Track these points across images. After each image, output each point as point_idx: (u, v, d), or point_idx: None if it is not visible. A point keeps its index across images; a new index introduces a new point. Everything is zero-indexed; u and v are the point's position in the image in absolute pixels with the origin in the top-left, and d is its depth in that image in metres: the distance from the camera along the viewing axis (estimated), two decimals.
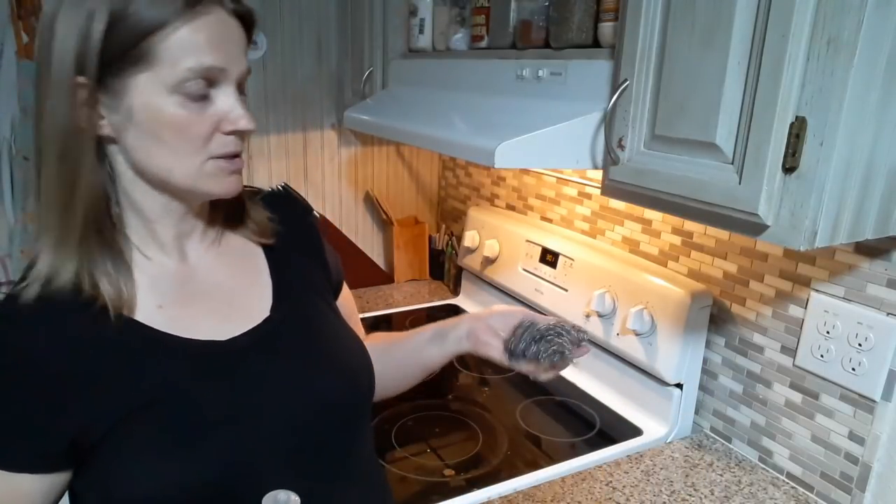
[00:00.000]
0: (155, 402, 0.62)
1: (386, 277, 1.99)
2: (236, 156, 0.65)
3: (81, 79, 0.59)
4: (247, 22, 0.65)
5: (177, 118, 0.60)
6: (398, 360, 0.89)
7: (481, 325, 0.84)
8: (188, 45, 0.59)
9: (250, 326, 0.71)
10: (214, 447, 0.63)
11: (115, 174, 0.65)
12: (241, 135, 0.65)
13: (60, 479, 0.63)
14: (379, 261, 2.03)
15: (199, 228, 0.72)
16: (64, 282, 0.61)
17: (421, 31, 1.38)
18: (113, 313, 0.62)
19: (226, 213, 0.75)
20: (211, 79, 0.61)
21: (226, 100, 0.63)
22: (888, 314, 0.89)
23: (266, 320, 0.72)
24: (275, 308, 0.73)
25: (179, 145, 0.62)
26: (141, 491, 0.60)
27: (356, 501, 0.75)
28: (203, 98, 0.61)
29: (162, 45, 0.58)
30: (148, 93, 0.60)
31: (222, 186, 0.65)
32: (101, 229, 0.64)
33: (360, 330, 0.90)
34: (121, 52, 0.58)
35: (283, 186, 0.87)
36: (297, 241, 0.81)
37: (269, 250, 0.77)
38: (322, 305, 0.80)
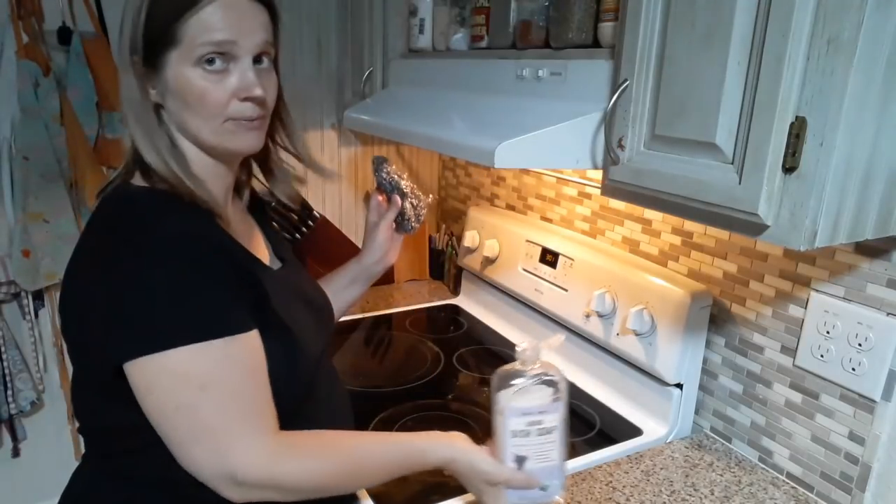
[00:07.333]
0: (267, 297, 0.79)
1: (386, 277, 1.99)
2: (254, 118, 0.79)
3: (136, 57, 0.75)
4: (266, 3, 0.78)
5: (199, 87, 0.75)
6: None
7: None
8: (204, 25, 0.73)
9: (277, 267, 0.91)
10: (304, 336, 0.83)
11: (173, 137, 0.79)
12: (257, 100, 0.77)
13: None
14: None
15: (231, 186, 0.88)
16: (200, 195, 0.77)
17: (421, 31, 1.38)
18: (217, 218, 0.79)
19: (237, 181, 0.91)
20: (225, 53, 0.74)
21: (240, 72, 0.76)
22: (888, 314, 0.89)
23: (285, 264, 0.93)
24: (278, 256, 0.94)
25: (203, 109, 0.76)
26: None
27: (338, 403, 0.95)
28: (222, 71, 0.75)
29: (185, 26, 0.73)
30: (177, 67, 0.74)
31: (242, 141, 0.80)
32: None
33: None
34: (158, 35, 0.73)
35: None
36: (260, 207, 1.00)
37: (251, 211, 0.97)
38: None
